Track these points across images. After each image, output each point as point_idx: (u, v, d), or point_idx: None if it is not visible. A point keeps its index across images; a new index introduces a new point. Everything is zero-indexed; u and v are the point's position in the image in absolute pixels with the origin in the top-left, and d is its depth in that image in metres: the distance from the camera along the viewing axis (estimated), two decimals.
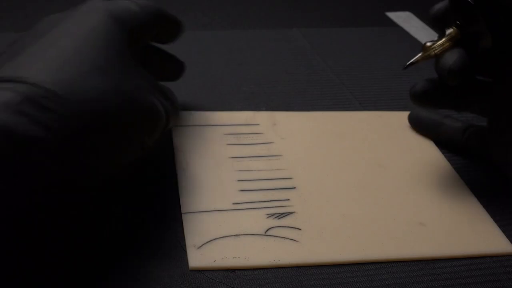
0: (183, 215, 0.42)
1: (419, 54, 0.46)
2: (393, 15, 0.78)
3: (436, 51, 0.45)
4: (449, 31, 0.45)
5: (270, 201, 0.44)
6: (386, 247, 0.41)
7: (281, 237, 0.41)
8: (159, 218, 0.42)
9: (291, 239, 0.41)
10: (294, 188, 0.45)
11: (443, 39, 0.45)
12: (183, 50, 0.65)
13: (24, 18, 0.70)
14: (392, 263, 0.40)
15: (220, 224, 0.41)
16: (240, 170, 0.47)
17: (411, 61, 0.46)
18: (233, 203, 0.43)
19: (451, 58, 0.44)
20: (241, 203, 0.43)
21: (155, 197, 0.44)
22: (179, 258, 0.39)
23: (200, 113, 0.53)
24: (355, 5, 0.81)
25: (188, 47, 0.66)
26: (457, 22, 0.45)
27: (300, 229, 0.42)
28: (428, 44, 0.46)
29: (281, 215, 0.43)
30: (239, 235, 0.41)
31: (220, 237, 0.40)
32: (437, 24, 0.47)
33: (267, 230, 0.41)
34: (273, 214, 0.43)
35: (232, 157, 0.48)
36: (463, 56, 0.44)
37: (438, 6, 0.47)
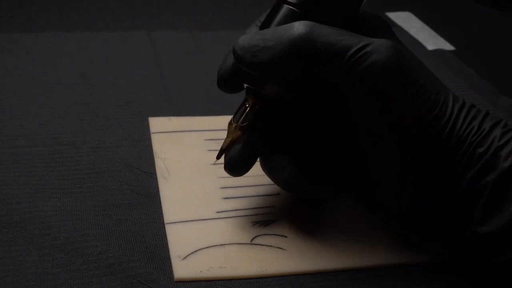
0: (166, 225, 0.41)
1: (226, 137, 0.40)
2: (393, 15, 0.78)
3: (241, 130, 0.39)
4: (247, 100, 0.39)
5: (255, 208, 0.43)
6: (376, 253, 0.40)
7: (268, 246, 0.40)
8: (141, 228, 0.41)
9: (277, 247, 0.40)
10: (279, 194, 0.45)
11: (245, 113, 0.39)
12: (183, 50, 0.64)
13: (24, 18, 0.69)
14: (384, 269, 0.39)
15: (204, 234, 0.41)
16: (222, 177, 0.46)
17: (221, 147, 0.41)
18: (217, 212, 0.43)
19: (231, 152, 0.40)
20: (225, 211, 0.43)
21: (136, 207, 0.43)
22: (164, 270, 0.38)
23: (180, 118, 0.52)
24: None
25: (188, 47, 0.65)
26: (248, 86, 0.39)
27: (286, 237, 0.41)
28: (233, 123, 0.40)
29: (266, 223, 0.42)
30: (225, 244, 0.40)
31: (206, 247, 0.40)
32: (232, 91, 0.41)
33: (253, 239, 0.41)
34: (258, 222, 0.42)
35: (214, 164, 0.47)
36: (243, 149, 0.40)
37: (221, 71, 0.41)
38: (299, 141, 0.41)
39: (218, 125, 0.51)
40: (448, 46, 0.71)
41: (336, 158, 0.42)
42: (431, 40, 0.72)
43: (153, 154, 0.48)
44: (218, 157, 0.41)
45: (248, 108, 0.39)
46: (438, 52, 0.68)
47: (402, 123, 0.37)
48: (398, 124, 0.37)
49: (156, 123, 0.51)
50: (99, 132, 0.50)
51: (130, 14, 0.73)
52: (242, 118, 0.39)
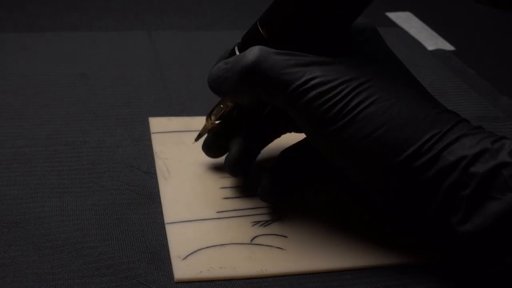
0: (166, 225, 0.41)
1: (204, 126, 0.45)
2: (393, 15, 0.78)
3: (215, 121, 0.44)
4: (223, 100, 0.44)
5: (254, 208, 0.43)
6: (376, 253, 0.40)
7: (268, 246, 0.40)
8: (141, 228, 0.41)
9: (277, 247, 0.40)
10: None
11: (221, 112, 0.44)
12: (183, 50, 0.64)
13: (24, 18, 0.69)
14: (384, 269, 0.39)
15: (205, 234, 0.41)
16: (222, 177, 0.46)
17: (199, 133, 0.46)
18: (217, 212, 0.43)
19: (230, 151, 0.43)
20: (225, 211, 0.43)
21: (136, 207, 0.43)
22: (164, 270, 0.38)
23: (180, 119, 0.52)
24: None
25: (188, 47, 0.65)
26: None
27: (286, 237, 0.41)
28: (210, 119, 0.44)
29: (266, 223, 0.42)
30: (225, 244, 0.40)
31: (206, 247, 0.40)
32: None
33: (253, 239, 0.41)
34: (258, 222, 0.42)
35: (214, 163, 0.47)
36: (241, 145, 0.43)
37: (214, 68, 0.42)
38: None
39: None
40: (448, 46, 0.71)
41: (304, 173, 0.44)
42: (431, 40, 0.72)
43: (153, 154, 0.48)
44: (196, 140, 0.46)
45: (223, 109, 0.43)
46: (438, 52, 0.68)
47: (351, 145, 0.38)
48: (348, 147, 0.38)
49: (156, 123, 0.51)
50: (99, 132, 0.50)
51: (130, 14, 0.73)
52: (218, 115, 0.44)
